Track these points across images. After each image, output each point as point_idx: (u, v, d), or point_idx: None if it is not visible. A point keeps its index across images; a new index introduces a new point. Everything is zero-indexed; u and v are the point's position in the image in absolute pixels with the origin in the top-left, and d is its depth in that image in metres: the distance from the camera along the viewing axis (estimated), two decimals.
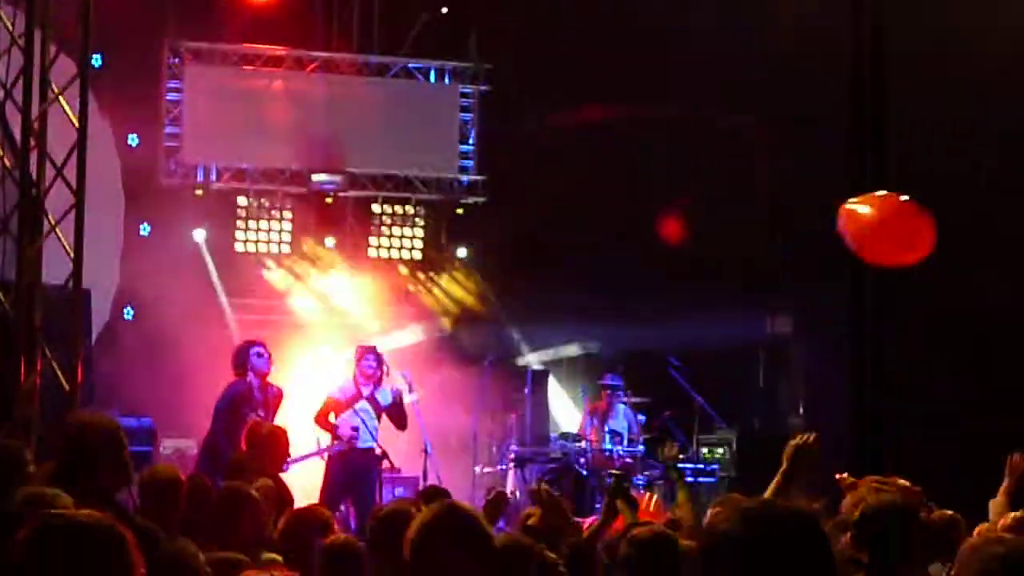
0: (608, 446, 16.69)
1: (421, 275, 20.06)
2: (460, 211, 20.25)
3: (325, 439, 14.57)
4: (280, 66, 19.44)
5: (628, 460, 16.63)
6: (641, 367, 17.79)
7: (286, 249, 19.49)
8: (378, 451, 14.40)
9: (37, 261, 11.40)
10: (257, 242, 19.53)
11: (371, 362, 14.58)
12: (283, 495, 10.07)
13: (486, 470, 18.00)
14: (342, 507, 14.29)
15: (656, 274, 18.30)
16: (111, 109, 17.92)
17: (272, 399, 14.06)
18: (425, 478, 15.09)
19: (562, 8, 18.73)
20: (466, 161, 20.12)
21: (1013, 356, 15.64)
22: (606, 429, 16.90)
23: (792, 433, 7.84)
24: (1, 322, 11.15)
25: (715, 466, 17.19)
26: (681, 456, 13.18)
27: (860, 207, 9.95)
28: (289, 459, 12.06)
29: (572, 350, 19.49)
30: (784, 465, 7.11)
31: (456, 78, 20.15)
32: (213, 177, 19.29)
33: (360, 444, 14.32)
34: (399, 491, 16.37)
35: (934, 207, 10.20)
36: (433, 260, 20.19)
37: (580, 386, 18.26)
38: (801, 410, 18.75)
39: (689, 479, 16.71)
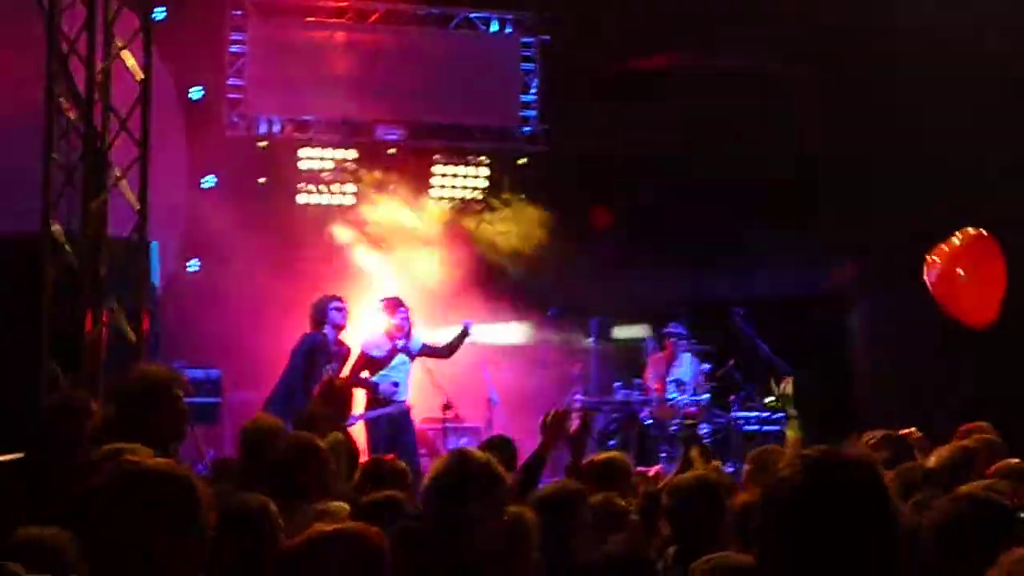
0: (672, 395, 16.67)
1: (483, 225, 20.04)
2: (522, 161, 20.22)
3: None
4: (342, 17, 19.44)
5: (692, 409, 16.60)
6: (705, 316, 17.74)
7: (348, 200, 19.51)
8: (444, 401, 14.46)
9: (102, 213, 11.47)
10: (320, 193, 19.57)
11: (405, 314, 14.57)
12: (353, 449, 10.16)
13: (548, 412, 17.96)
14: None
15: (718, 223, 18.22)
16: (174, 62, 17.95)
17: (343, 355, 14.17)
18: (490, 428, 15.13)
19: None
20: (528, 111, 20.08)
21: None
22: (670, 378, 16.88)
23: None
24: (67, 274, 11.23)
25: (780, 415, 17.14)
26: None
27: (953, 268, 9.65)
28: (351, 416, 12.18)
29: (635, 299, 19.45)
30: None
31: (518, 28, 20.09)
32: (276, 129, 19.34)
33: (397, 399, 14.34)
34: (463, 441, 16.43)
35: None
36: (496, 210, 20.16)
37: (644, 335, 18.22)
38: (866, 359, 18.66)
39: (754, 427, 16.77)
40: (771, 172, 18.18)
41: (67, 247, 11.30)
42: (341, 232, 19.24)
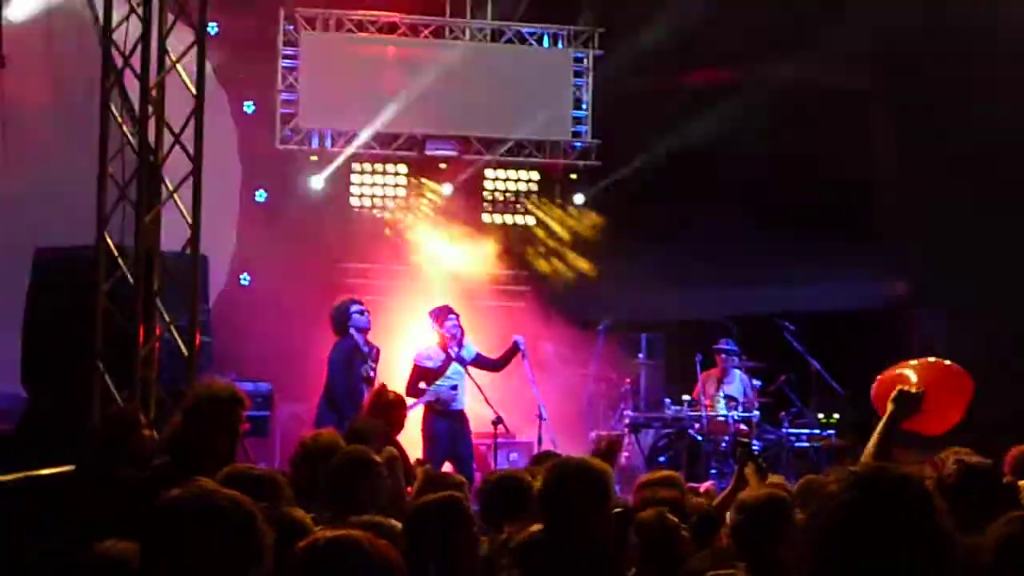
0: (723, 411, 16.61)
1: (534, 239, 20.06)
2: (574, 176, 20.24)
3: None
4: (394, 32, 19.51)
5: (743, 425, 16.54)
6: (756, 331, 17.68)
7: (401, 215, 19.56)
8: (493, 416, 14.44)
9: (156, 227, 11.53)
10: (372, 208, 19.63)
11: (455, 322, 14.57)
12: (408, 463, 10.16)
13: (600, 435, 17.97)
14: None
15: (771, 237, 18.15)
16: (227, 76, 18.06)
17: (375, 356, 14.18)
18: (540, 443, 15.10)
19: None
20: (580, 126, 20.09)
21: None
22: (721, 394, 16.82)
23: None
24: (121, 288, 11.29)
25: (831, 432, 17.05)
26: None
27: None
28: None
29: (686, 315, 19.40)
30: (890, 408, 7.03)
31: (569, 43, 20.10)
32: (328, 143, 19.40)
33: (455, 406, 14.35)
34: (513, 456, 16.45)
35: None
36: (547, 225, 20.16)
37: (695, 351, 18.17)
38: None
39: (804, 444, 16.69)
40: (826, 186, 18.11)
41: (121, 261, 11.36)
42: (392, 245, 19.27)
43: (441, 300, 16.03)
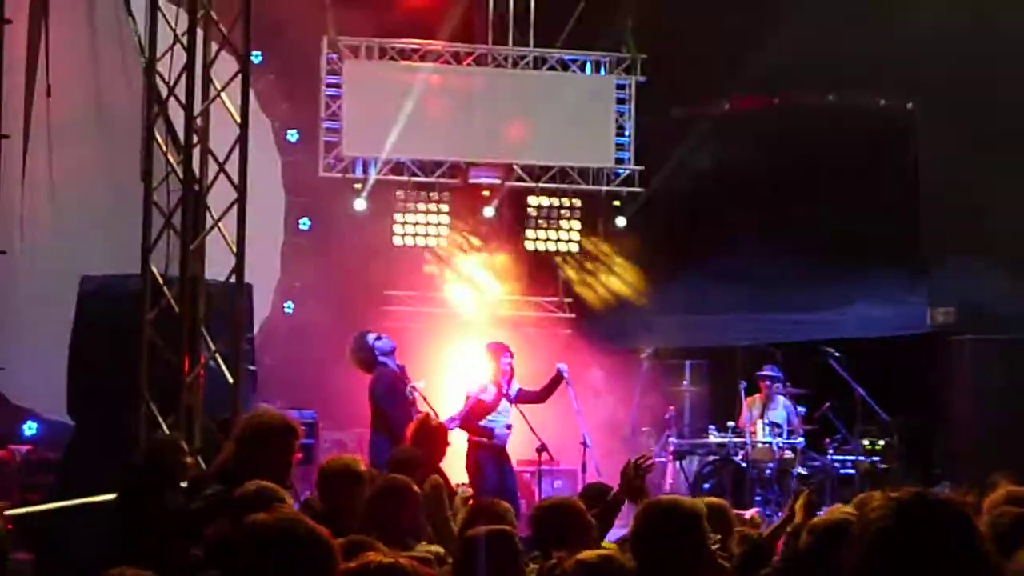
0: (767, 438, 16.55)
1: (578, 266, 20.05)
2: (617, 203, 20.22)
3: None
4: (437, 60, 19.55)
5: (788, 452, 16.47)
6: (800, 358, 17.61)
7: (443, 242, 19.59)
8: (538, 444, 14.41)
9: (200, 256, 11.56)
10: (416, 235, 19.64)
11: (509, 359, 14.51)
12: (450, 488, 10.16)
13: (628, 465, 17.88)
14: None
15: (815, 263, 18.11)
16: (271, 105, 18.15)
17: (406, 377, 14.16)
18: (584, 471, 15.06)
19: None
20: (622, 153, 20.08)
21: None
22: (765, 421, 16.75)
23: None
24: (166, 316, 11.32)
25: (876, 458, 16.95)
26: None
27: None
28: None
29: (730, 342, 19.35)
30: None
31: (611, 70, 20.11)
32: (372, 171, 19.45)
33: (500, 443, 14.30)
34: (558, 484, 16.40)
35: None
36: (589, 252, 20.16)
37: (739, 378, 18.10)
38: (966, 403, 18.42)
39: (850, 471, 16.60)
40: (870, 211, 18.06)
41: (166, 290, 11.39)
42: (434, 274, 19.30)
43: (482, 330, 16.04)
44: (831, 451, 16.77)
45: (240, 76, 11.82)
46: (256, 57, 16.14)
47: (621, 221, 20.11)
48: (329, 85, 19.22)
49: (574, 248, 20.15)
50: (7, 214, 13.87)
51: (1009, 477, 8.25)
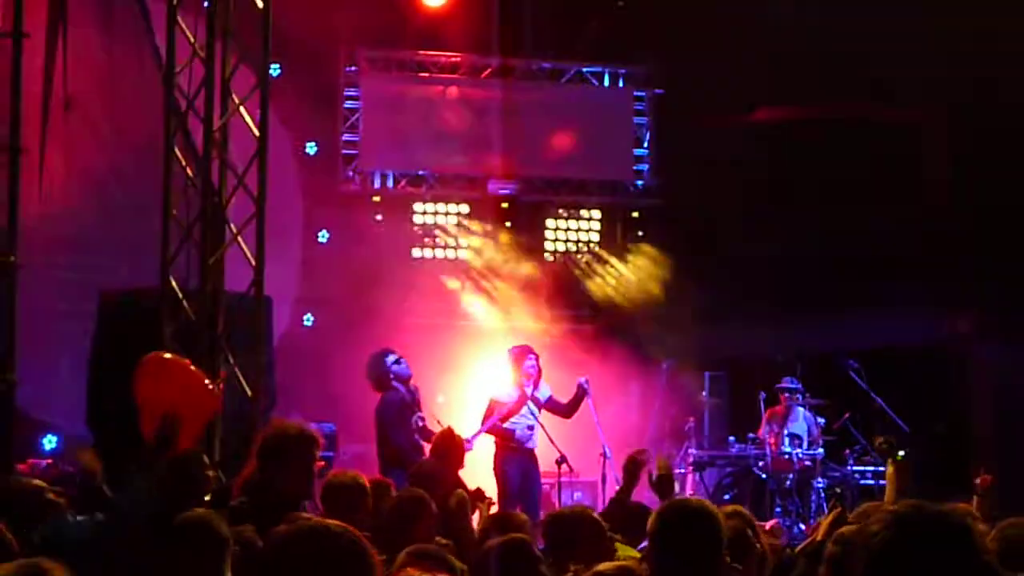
0: (787, 449, 16.52)
1: (597, 279, 20.03)
2: (636, 215, 20.21)
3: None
4: (455, 72, 19.57)
5: (807, 463, 16.44)
6: (819, 369, 17.57)
7: (463, 255, 19.58)
8: (557, 455, 14.40)
9: (219, 269, 11.57)
10: (434, 247, 19.64)
11: (532, 361, 14.55)
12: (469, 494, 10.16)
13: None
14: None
15: (833, 273, 18.08)
16: (290, 118, 18.15)
17: (419, 399, 14.19)
18: (604, 482, 15.05)
19: (737, 10, 18.57)
20: (641, 165, 20.07)
21: None
22: (785, 432, 16.72)
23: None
24: (185, 329, 11.33)
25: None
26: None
27: None
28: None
29: (749, 353, 19.30)
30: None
31: (630, 82, 20.11)
32: (390, 183, 19.46)
33: (529, 445, 14.36)
34: (577, 495, 16.36)
35: None
36: (609, 263, 20.13)
37: (758, 389, 18.06)
38: (987, 412, 18.37)
39: (870, 482, 16.54)
40: (889, 219, 18.02)
41: (185, 303, 11.40)
42: (454, 286, 19.29)
43: (502, 342, 16.03)
44: (851, 462, 16.74)
45: (259, 89, 11.84)
46: (275, 70, 16.15)
47: (641, 234, 20.11)
48: (348, 98, 19.25)
49: (593, 259, 20.13)
50: (25, 228, 13.87)
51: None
